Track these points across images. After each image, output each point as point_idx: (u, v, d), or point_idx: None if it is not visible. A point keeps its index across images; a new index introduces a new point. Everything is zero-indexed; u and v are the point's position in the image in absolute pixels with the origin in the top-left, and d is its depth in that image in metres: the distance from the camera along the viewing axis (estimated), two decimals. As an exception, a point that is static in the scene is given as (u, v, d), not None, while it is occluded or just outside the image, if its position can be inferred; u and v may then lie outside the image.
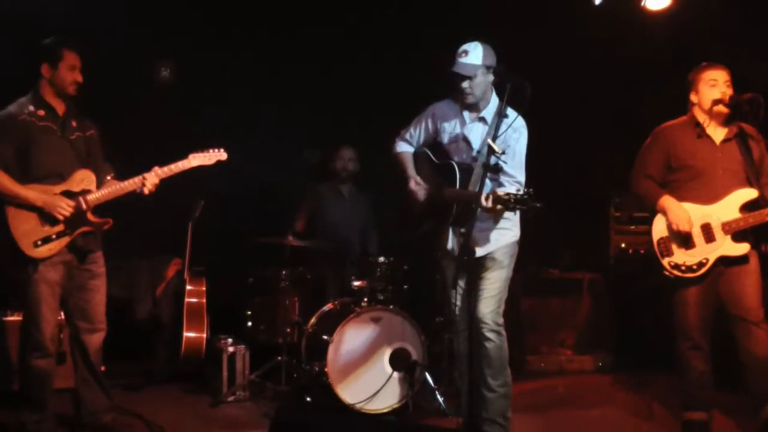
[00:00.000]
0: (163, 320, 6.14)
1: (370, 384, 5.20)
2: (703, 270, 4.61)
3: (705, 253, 4.61)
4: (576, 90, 6.65)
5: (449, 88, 4.59)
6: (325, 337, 5.28)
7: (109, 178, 4.75)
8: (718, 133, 4.72)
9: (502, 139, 4.30)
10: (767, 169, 4.65)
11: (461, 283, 4.54)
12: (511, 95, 4.33)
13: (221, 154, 4.87)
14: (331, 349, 5.17)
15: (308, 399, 5.39)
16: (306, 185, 6.70)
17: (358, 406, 5.17)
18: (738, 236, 4.56)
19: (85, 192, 4.54)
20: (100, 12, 6.14)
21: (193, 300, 5.91)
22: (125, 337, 6.00)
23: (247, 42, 6.81)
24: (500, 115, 4.35)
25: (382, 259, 5.70)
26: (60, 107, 4.58)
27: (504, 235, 4.56)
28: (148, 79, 6.77)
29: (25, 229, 4.37)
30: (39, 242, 4.39)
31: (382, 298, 5.53)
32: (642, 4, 5.64)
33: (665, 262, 4.69)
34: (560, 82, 6.47)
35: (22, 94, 4.59)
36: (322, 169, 6.77)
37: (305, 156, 6.92)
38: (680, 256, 4.67)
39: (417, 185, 4.65)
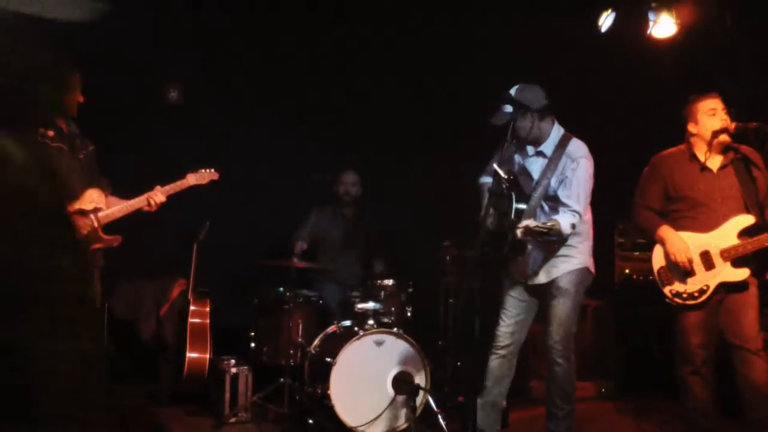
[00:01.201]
0: (167, 341, 6.14)
1: (373, 407, 5.19)
2: (704, 297, 4.62)
3: (705, 280, 4.63)
4: (581, 116, 6.64)
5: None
6: (328, 359, 5.27)
7: (109, 192, 4.85)
8: (715, 160, 4.74)
9: (560, 170, 4.54)
10: None
11: (509, 305, 4.80)
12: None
13: (213, 174, 5.16)
14: (333, 371, 5.17)
15: (310, 421, 5.38)
16: (310, 208, 6.72)
17: (360, 429, 5.15)
18: (738, 262, 4.56)
19: (97, 210, 4.67)
20: (107, 31, 6.22)
21: (197, 320, 5.91)
22: (129, 357, 6.02)
23: (254, 64, 6.85)
24: (508, 142, 4.46)
25: (386, 282, 5.71)
26: (64, 126, 4.66)
27: (567, 262, 4.68)
28: (156, 100, 6.81)
29: None
30: None
31: (385, 321, 5.53)
32: (648, 32, 5.68)
33: (666, 290, 4.73)
34: (565, 108, 6.49)
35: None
36: (327, 192, 6.79)
37: (313, 178, 6.94)
38: (680, 285, 4.70)
39: (483, 212, 4.75)
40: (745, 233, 4.57)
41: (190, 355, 5.78)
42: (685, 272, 4.67)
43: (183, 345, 5.84)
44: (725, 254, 4.58)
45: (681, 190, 4.77)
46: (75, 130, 4.75)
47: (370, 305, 5.58)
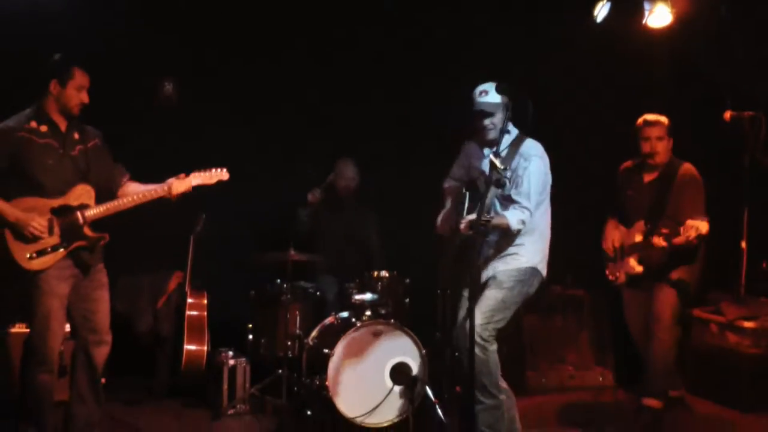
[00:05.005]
0: (163, 334, 6.13)
1: (371, 398, 5.20)
2: (620, 282, 5.58)
3: (620, 268, 5.56)
4: (576, 107, 6.67)
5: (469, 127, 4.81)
6: (325, 350, 5.27)
7: (125, 180, 4.79)
8: (649, 175, 5.55)
9: (512, 168, 4.56)
10: (682, 208, 5.30)
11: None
12: (513, 113, 4.46)
13: (223, 174, 4.90)
14: (331, 362, 5.17)
15: (309, 413, 5.38)
16: (306, 201, 6.71)
17: (358, 420, 5.16)
18: (642, 260, 5.40)
19: (83, 207, 4.54)
20: (104, 26, 6.21)
21: (194, 313, 5.91)
22: (126, 350, 6.00)
23: (251, 60, 6.83)
24: (502, 132, 4.48)
25: (383, 273, 5.71)
26: (62, 123, 4.58)
27: (515, 260, 4.70)
28: (151, 95, 6.78)
29: (20, 241, 4.39)
30: (33, 255, 4.40)
31: (383, 312, 5.52)
32: (643, 21, 5.67)
33: (606, 270, 5.69)
34: (561, 100, 6.50)
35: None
36: (324, 184, 6.78)
37: (309, 173, 6.92)
38: (611, 267, 5.65)
39: (441, 215, 4.94)
40: (647, 236, 5.36)
41: (188, 347, 5.78)
42: (612, 258, 5.64)
43: (180, 338, 5.84)
44: (628, 250, 5.48)
45: (623, 194, 5.67)
46: (75, 123, 4.64)
47: (368, 296, 5.58)
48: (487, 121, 4.66)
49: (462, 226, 4.42)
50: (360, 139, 6.88)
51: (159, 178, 4.81)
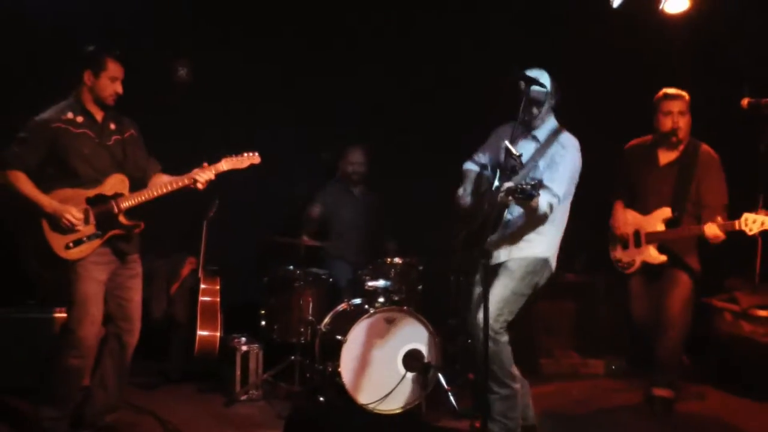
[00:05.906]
0: (177, 319, 6.14)
1: (384, 384, 5.21)
2: (632, 269, 5.45)
3: (634, 255, 5.44)
4: (591, 93, 6.61)
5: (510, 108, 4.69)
6: (338, 337, 5.28)
7: (157, 173, 4.83)
8: (666, 155, 5.43)
9: (549, 155, 4.56)
10: (705, 191, 5.26)
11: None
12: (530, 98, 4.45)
13: (255, 158, 4.91)
14: (344, 349, 5.18)
15: (321, 399, 5.39)
16: (319, 186, 6.71)
17: (371, 406, 5.17)
18: (661, 248, 5.30)
19: (118, 196, 4.60)
20: (118, 11, 6.20)
21: (207, 299, 5.92)
22: (140, 335, 6.02)
23: (262, 44, 6.82)
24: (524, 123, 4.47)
25: (396, 259, 5.71)
26: (99, 113, 4.63)
27: (529, 248, 4.64)
28: (164, 80, 6.77)
29: (57, 231, 4.44)
30: (71, 244, 4.46)
31: (396, 298, 5.53)
32: (660, 7, 5.62)
33: (611, 254, 5.59)
34: (575, 85, 6.43)
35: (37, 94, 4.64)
36: (334, 170, 6.78)
37: (322, 157, 6.92)
38: (619, 253, 5.54)
39: (462, 190, 4.89)
40: (671, 224, 5.27)
41: (201, 333, 5.79)
42: (623, 244, 5.48)
43: (194, 323, 5.85)
44: (649, 237, 5.33)
45: (633, 176, 5.52)
46: (111, 114, 4.68)
47: (381, 283, 5.59)
48: (534, 110, 4.61)
49: (502, 194, 4.18)
50: (374, 124, 6.87)
51: (171, 166, 4.85)
